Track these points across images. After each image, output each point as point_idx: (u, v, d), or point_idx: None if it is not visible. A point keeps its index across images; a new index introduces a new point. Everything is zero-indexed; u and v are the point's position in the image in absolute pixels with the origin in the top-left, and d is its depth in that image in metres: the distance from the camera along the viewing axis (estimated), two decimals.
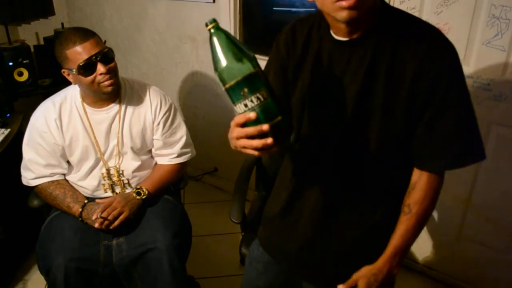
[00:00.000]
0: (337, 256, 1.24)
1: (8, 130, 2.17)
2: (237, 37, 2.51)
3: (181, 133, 1.83)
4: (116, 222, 1.62)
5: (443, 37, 1.01)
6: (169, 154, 1.82)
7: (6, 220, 2.43)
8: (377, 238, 1.18)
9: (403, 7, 1.85)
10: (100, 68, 1.54)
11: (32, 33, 3.20)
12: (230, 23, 2.47)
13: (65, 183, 1.73)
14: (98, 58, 1.54)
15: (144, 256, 1.62)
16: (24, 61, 2.70)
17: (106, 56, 1.57)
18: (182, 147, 1.83)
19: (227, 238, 2.57)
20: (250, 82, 0.87)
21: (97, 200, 1.70)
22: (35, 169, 1.72)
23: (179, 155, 1.83)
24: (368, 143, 1.08)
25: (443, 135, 1.03)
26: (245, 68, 0.87)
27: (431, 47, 0.99)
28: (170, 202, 1.80)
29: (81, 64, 1.53)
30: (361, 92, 1.04)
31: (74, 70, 1.54)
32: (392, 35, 1.01)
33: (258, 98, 0.86)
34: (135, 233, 1.67)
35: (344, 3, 0.92)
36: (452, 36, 1.76)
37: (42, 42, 3.09)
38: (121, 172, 1.75)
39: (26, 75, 2.71)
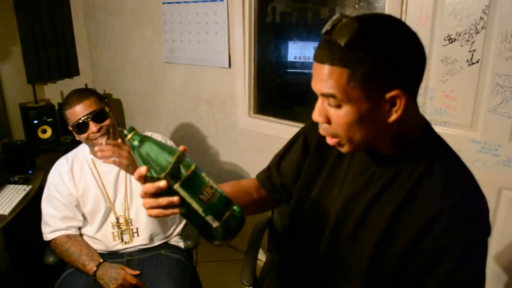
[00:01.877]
0: None
1: (30, 186, 2.25)
2: (252, 102, 2.62)
3: None
4: (115, 160, 1.62)
5: (475, 202, 0.86)
6: None
7: (21, 275, 2.47)
8: None
9: None
10: (92, 127, 1.67)
11: (57, 91, 3.37)
12: (245, 87, 2.58)
13: (81, 240, 1.78)
14: (89, 118, 1.67)
15: None
16: (48, 120, 2.83)
17: (98, 115, 1.69)
18: None
19: None
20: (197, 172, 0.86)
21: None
22: (51, 223, 1.78)
23: None
24: (352, 275, 0.98)
25: None
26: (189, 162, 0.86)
27: (453, 210, 0.83)
28: (181, 262, 1.82)
29: (74, 123, 1.67)
30: (359, 218, 0.96)
31: (71, 128, 1.70)
32: (416, 174, 0.88)
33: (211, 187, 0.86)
34: None
35: (327, 140, 0.91)
36: (458, 103, 1.84)
37: None
38: (129, 220, 1.80)
39: (49, 132, 2.84)
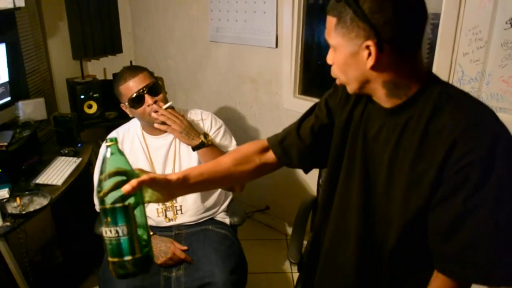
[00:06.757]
0: None
1: (80, 159, 2.32)
2: (297, 82, 2.61)
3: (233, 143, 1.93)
4: (168, 126, 1.69)
5: (489, 121, 0.92)
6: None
7: (68, 245, 2.56)
8: None
9: (466, 59, 1.87)
10: (148, 99, 1.70)
11: (100, 68, 3.43)
12: (291, 68, 2.57)
13: None
14: (145, 91, 1.70)
15: None
16: (94, 95, 2.89)
17: (153, 88, 1.73)
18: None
19: (278, 277, 2.57)
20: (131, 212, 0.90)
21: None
22: None
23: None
24: (390, 217, 1.05)
25: (468, 240, 0.91)
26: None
27: (469, 129, 0.90)
28: (228, 238, 1.84)
29: (130, 97, 1.70)
30: (388, 163, 1.03)
31: (127, 103, 1.72)
32: (425, 115, 0.96)
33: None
34: (194, 266, 1.71)
35: (336, 81, 1.07)
36: None
37: (109, 77, 3.30)
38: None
39: (95, 107, 2.90)
